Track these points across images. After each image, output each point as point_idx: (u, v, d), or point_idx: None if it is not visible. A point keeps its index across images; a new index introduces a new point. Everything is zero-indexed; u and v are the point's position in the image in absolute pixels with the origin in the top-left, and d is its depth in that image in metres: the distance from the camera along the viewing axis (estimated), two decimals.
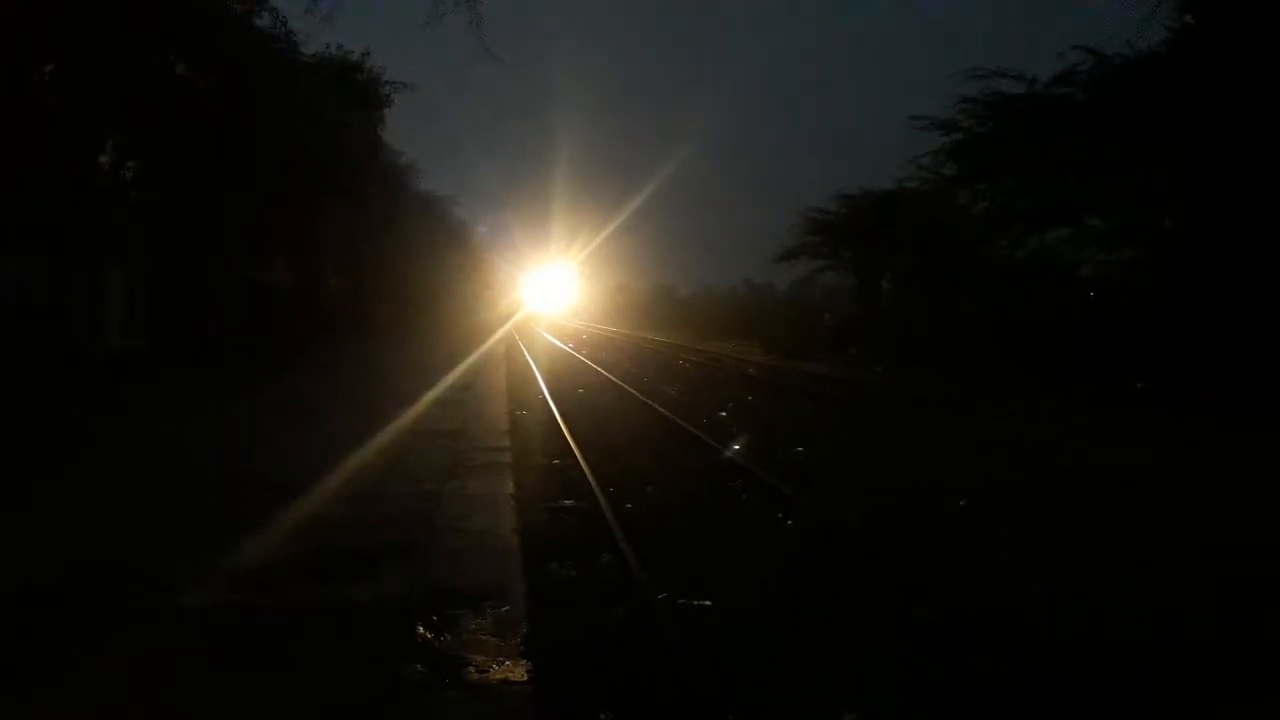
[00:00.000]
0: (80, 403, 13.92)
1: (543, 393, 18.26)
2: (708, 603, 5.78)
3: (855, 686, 4.62)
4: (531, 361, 28.21)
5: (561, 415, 14.25)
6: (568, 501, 8.71)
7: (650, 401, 16.91)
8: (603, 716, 4.24)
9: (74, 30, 15.37)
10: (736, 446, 11.74)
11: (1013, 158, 22.28)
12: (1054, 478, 10.49)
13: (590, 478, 9.33)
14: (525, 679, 4.04)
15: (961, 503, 8.79)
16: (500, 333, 45.93)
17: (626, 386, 20.29)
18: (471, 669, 4.11)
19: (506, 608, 4.89)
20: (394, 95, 30.94)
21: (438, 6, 14.43)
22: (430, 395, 16.03)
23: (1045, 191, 21.79)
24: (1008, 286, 23.31)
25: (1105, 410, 15.02)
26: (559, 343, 44.50)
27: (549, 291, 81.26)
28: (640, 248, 75.24)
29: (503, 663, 4.18)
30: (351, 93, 28.42)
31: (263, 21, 19.66)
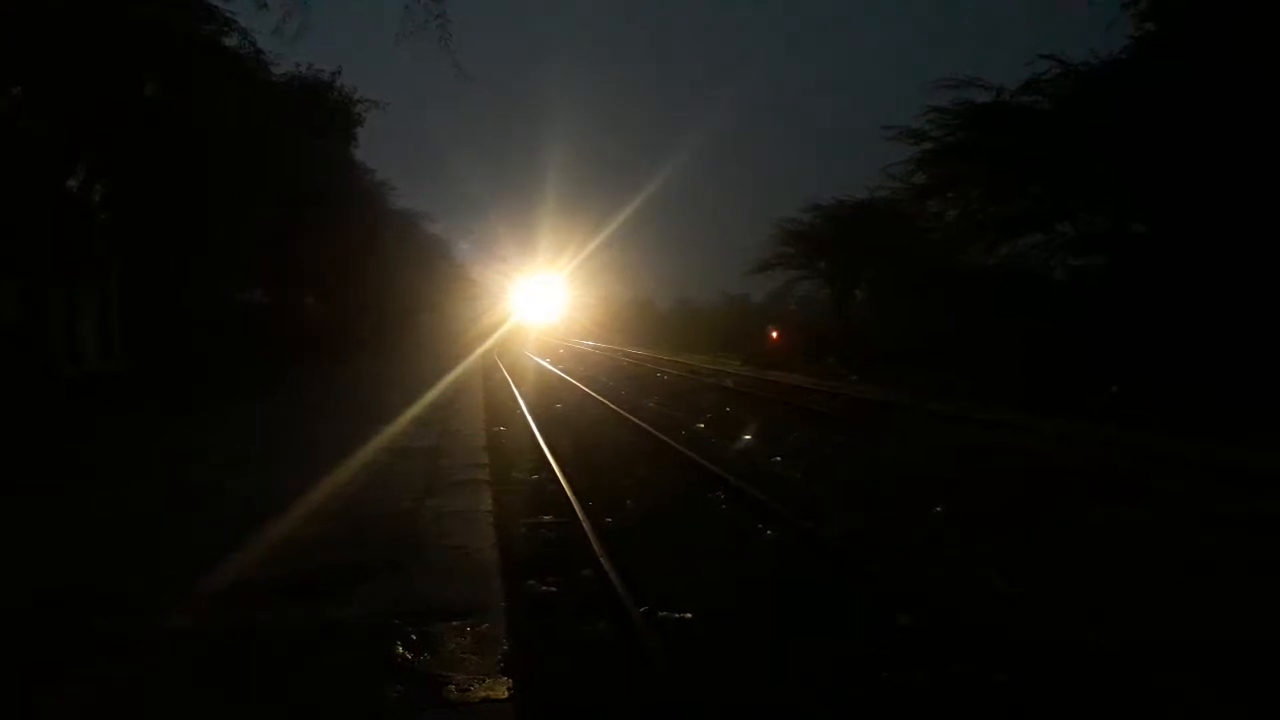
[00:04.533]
0: (54, 423, 13.78)
1: (521, 409, 18.23)
2: (689, 615, 5.81)
3: (837, 693, 4.66)
4: (510, 379, 28.15)
5: (540, 431, 14.24)
6: (547, 517, 8.71)
7: (629, 415, 16.92)
8: None
9: (43, 52, 15.27)
10: (715, 458, 11.77)
11: (981, 166, 22.54)
12: (1034, 486, 10.58)
13: (569, 493, 9.33)
14: (506, 696, 4.05)
15: (938, 508, 8.88)
16: (481, 349, 45.79)
17: (605, 400, 20.29)
18: (452, 687, 4.11)
19: (486, 625, 4.90)
20: (366, 113, 30.93)
21: (407, 23, 14.42)
22: (408, 413, 16.00)
23: (1014, 199, 22.06)
24: (981, 294, 23.54)
25: (1080, 414, 15.18)
26: (539, 358, 44.44)
27: (536, 304, 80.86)
28: (625, 260, 74.77)
29: (483, 680, 4.19)
30: (324, 112, 28.37)
31: (231, 41, 19.62)
